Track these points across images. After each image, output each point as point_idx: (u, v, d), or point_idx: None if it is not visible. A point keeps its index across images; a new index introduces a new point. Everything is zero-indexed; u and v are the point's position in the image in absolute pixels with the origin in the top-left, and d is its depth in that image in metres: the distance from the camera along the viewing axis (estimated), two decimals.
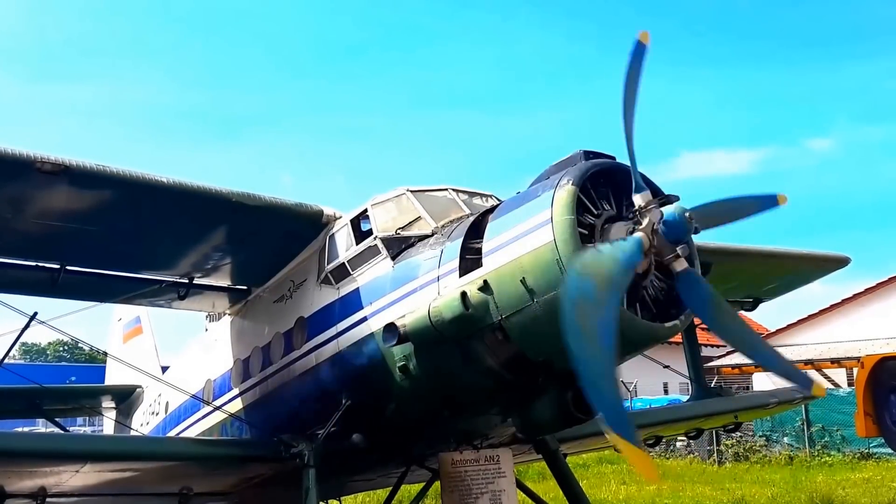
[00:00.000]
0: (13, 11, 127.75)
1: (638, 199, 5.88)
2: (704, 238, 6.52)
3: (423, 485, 9.32)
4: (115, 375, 16.21)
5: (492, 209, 7.04)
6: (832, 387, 26.69)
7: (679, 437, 21.89)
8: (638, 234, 5.71)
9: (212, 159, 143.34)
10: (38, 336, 77.14)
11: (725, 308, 6.25)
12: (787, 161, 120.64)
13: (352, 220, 8.34)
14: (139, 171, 7.60)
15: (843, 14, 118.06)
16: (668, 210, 5.75)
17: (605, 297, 5.31)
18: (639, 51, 6.10)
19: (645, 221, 5.74)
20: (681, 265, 5.84)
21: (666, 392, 35.21)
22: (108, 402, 14.72)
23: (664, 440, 13.97)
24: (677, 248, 5.76)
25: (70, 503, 9.04)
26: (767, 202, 6.61)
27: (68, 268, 8.67)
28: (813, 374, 27.97)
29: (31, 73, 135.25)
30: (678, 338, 8.95)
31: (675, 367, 10.97)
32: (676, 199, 5.94)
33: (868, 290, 30.62)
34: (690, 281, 5.94)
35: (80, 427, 34.52)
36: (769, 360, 6.63)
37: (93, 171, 7.32)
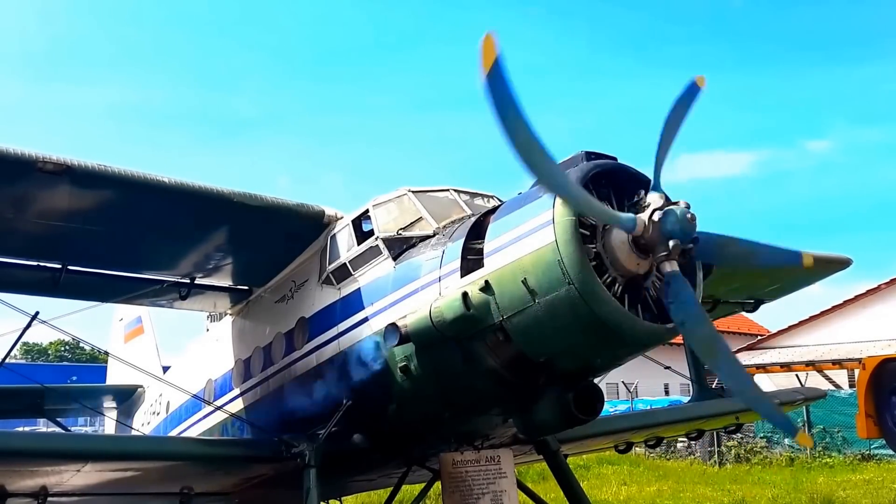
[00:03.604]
0: (20, 15, 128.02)
1: (637, 232, 5.76)
2: None
3: (423, 485, 9.31)
4: (116, 375, 16.24)
5: (493, 210, 7.03)
6: (833, 388, 26.66)
7: (680, 438, 21.90)
8: (671, 268, 5.68)
9: (210, 161, 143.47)
10: (40, 336, 77.25)
11: (733, 241, 6.16)
12: (786, 163, 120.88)
13: (353, 221, 8.34)
14: (141, 172, 7.61)
15: (841, 17, 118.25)
16: (675, 229, 5.65)
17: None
18: (691, 92, 6.19)
19: (647, 211, 5.72)
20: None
21: (667, 393, 35.19)
22: (109, 402, 14.75)
23: (665, 441, 13.96)
24: (669, 245, 5.63)
25: (71, 503, 9.05)
26: (692, 92, 6.22)
27: (70, 268, 8.68)
28: (815, 375, 28.00)
29: (37, 74, 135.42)
30: (679, 339, 8.93)
31: (676, 368, 10.95)
32: (664, 205, 5.87)
33: (869, 292, 30.54)
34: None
35: (82, 427, 34.51)
36: (772, 255, 6.51)
37: (94, 171, 7.32)
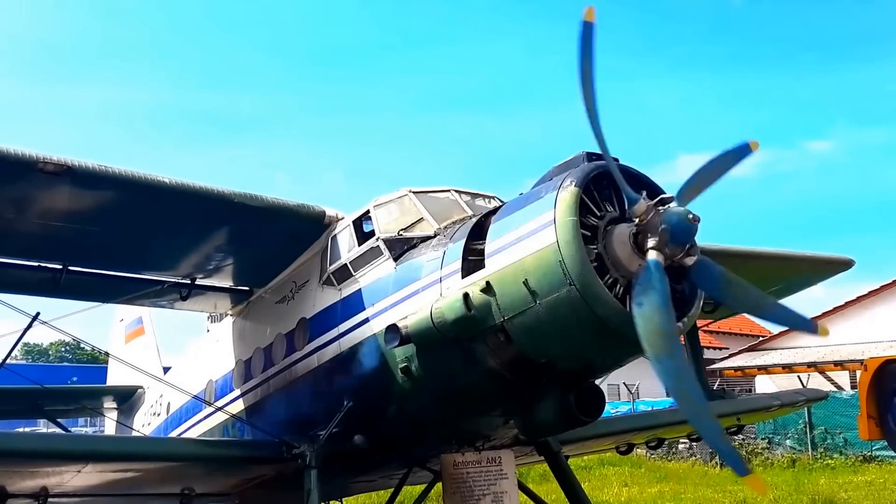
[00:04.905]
0: (22, 15, 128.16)
1: (637, 211, 5.82)
2: (708, 240, 6.50)
3: (424, 486, 9.30)
4: (116, 376, 16.23)
5: (494, 210, 7.02)
6: (835, 389, 26.62)
7: (681, 440, 21.88)
8: (654, 257, 5.67)
9: (211, 160, 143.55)
10: (40, 336, 77.25)
11: (741, 283, 6.23)
12: (787, 163, 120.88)
13: (354, 221, 8.33)
14: (141, 172, 7.59)
15: (843, 17, 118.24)
16: (671, 217, 5.68)
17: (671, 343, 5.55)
18: (587, 31, 6.08)
19: (654, 240, 5.69)
20: (691, 259, 5.88)
21: (668, 394, 35.11)
22: (109, 403, 14.74)
23: (666, 442, 13.94)
24: (659, 231, 5.70)
25: (72, 503, 9.04)
26: (742, 152, 6.58)
27: (70, 268, 8.69)
28: (816, 376, 27.98)
29: (37, 75, 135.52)
30: (680, 340, 8.91)
31: None
32: (672, 198, 5.90)
33: (871, 293, 30.48)
34: (704, 268, 5.99)
35: (82, 428, 34.51)
36: (782, 316, 6.57)
37: (95, 172, 7.31)
